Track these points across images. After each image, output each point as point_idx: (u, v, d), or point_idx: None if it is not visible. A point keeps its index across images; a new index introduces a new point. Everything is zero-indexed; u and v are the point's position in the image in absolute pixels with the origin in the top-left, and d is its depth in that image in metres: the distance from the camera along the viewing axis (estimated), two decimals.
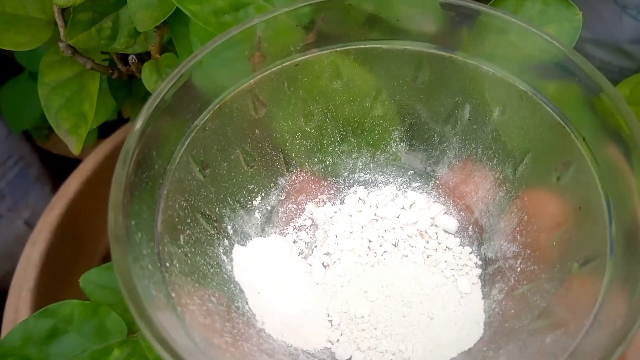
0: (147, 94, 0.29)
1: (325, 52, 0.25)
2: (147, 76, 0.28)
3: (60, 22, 0.27)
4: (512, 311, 0.22)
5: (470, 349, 0.22)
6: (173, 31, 0.28)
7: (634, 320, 0.15)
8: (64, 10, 0.27)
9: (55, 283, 0.37)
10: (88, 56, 0.29)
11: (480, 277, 0.24)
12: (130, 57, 0.29)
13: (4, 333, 0.33)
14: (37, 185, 0.51)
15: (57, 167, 0.51)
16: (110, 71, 0.31)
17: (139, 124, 0.19)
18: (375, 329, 0.23)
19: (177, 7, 0.25)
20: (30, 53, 0.29)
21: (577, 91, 0.20)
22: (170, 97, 0.20)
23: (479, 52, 0.24)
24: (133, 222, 0.18)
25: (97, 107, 0.29)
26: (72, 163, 0.42)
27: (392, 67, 0.25)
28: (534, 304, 0.21)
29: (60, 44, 0.28)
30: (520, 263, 0.23)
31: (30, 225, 0.50)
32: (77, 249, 0.41)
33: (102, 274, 0.25)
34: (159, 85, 0.20)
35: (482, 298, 0.23)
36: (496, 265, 0.24)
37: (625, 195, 0.18)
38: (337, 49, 0.25)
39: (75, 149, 0.29)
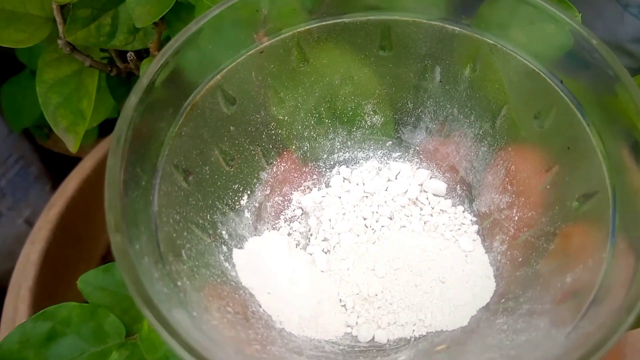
0: None
1: (288, 34, 0.24)
2: None
3: (59, 19, 0.27)
4: (519, 259, 0.22)
5: (487, 304, 0.22)
6: (171, 28, 0.27)
7: None
8: (63, 7, 0.27)
9: (54, 282, 0.37)
10: (87, 53, 0.29)
11: (478, 232, 0.25)
12: (128, 54, 0.29)
13: (2, 332, 0.33)
14: (37, 184, 0.51)
15: (58, 165, 0.51)
16: (109, 68, 0.31)
17: (120, 142, 0.18)
18: (391, 304, 0.23)
19: (175, 3, 0.24)
20: (31, 51, 0.29)
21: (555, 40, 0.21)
22: (144, 107, 0.19)
23: (443, 14, 0.23)
24: (137, 247, 0.17)
25: (96, 105, 0.29)
26: (73, 161, 0.42)
27: (357, 40, 0.25)
28: (541, 247, 0.21)
29: (59, 41, 0.28)
30: (516, 212, 0.23)
31: (30, 223, 0.50)
32: (77, 247, 0.41)
33: (100, 275, 0.25)
34: (132, 94, 0.19)
35: (485, 252, 0.24)
36: (491, 219, 0.24)
37: (615, 122, 0.19)
38: (300, 29, 0.24)
39: (72, 147, 0.29)
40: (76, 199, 0.39)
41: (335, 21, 0.24)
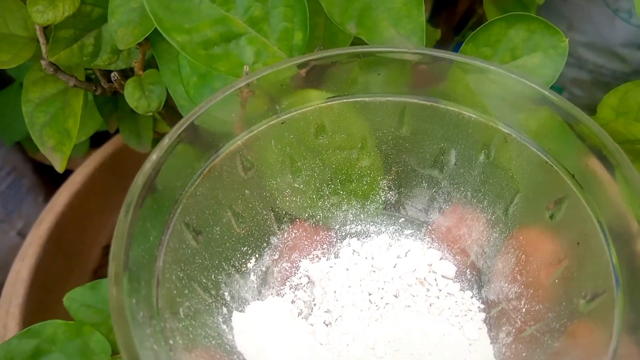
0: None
1: (310, 108, 0.25)
2: (130, 93, 0.27)
3: (42, 40, 0.27)
4: (523, 354, 0.21)
5: None
6: (155, 48, 0.27)
7: None
8: (45, 28, 0.27)
9: (45, 298, 0.36)
10: (71, 73, 0.29)
11: (485, 321, 0.24)
12: (112, 75, 0.29)
13: None
14: (30, 196, 0.52)
15: (50, 177, 0.52)
16: (94, 88, 0.31)
17: (134, 197, 0.19)
18: None
19: None
20: (21, 64, 0.28)
21: (558, 121, 0.21)
22: (160, 167, 0.20)
23: (459, 99, 0.24)
24: (134, 301, 0.17)
25: (85, 120, 0.29)
26: (66, 173, 0.41)
27: (376, 119, 0.26)
28: (545, 344, 0.21)
29: (43, 62, 0.28)
30: (524, 303, 0.23)
31: (23, 235, 0.49)
32: (68, 263, 0.40)
33: (87, 293, 0.25)
34: (153, 153, 0.20)
35: (491, 343, 0.23)
36: (499, 308, 0.24)
37: (624, 227, 0.19)
38: (321, 104, 0.25)
39: (59, 166, 0.29)
40: (66, 214, 0.39)
41: (355, 99, 0.25)
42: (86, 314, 0.25)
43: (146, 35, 0.26)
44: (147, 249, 0.19)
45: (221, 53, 0.24)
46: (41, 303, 0.36)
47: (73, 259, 0.42)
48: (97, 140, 0.43)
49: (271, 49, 0.25)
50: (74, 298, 0.25)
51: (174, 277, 0.20)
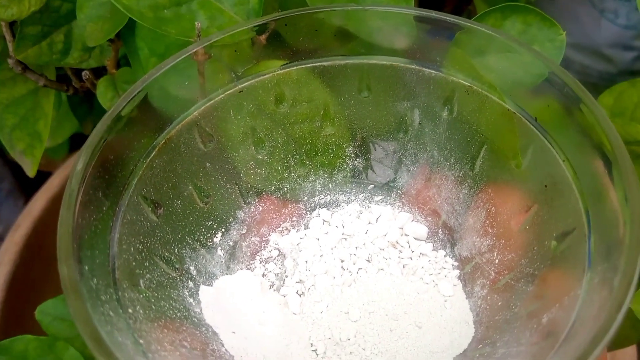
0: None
1: (268, 75, 0.24)
2: (102, 92, 0.26)
3: (8, 37, 0.26)
4: (499, 303, 0.21)
5: (465, 350, 0.21)
6: (127, 45, 0.26)
7: (630, 280, 0.15)
8: (12, 24, 0.25)
9: (22, 307, 0.34)
10: (41, 72, 0.27)
11: (459, 277, 0.24)
12: (83, 73, 0.28)
13: None
14: (9, 199, 0.49)
15: (30, 180, 0.49)
16: (65, 88, 0.29)
17: (80, 164, 0.18)
18: (364, 349, 0.21)
19: (129, 19, 0.23)
20: None
21: (521, 68, 0.21)
22: (113, 135, 0.19)
23: (419, 57, 0.24)
24: (86, 268, 0.16)
25: (60, 122, 0.28)
26: (46, 175, 0.39)
27: (337, 83, 0.25)
28: (520, 290, 0.20)
29: (10, 60, 0.26)
30: (497, 255, 0.22)
31: (3, 240, 0.46)
32: (45, 269, 0.38)
33: (60, 305, 0.23)
34: (100, 122, 0.19)
35: (466, 298, 0.23)
36: (473, 263, 0.23)
37: (589, 162, 0.18)
38: (280, 71, 0.25)
39: (30, 171, 0.27)
40: (44, 219, 0.37)
41: (314, 64, 0.25)
42: (59, 327, 0.24)
43: (117, 31, 0.25)
44: (100, 219, 0.18)
45: (171, 16, 0.23)
46: (19, 313, 0.34)
47: (51, 266, 0.40)
48: (77, 143, 0.42)
49: (227, 14, 0.24)
50: (46, 311, 0.24)
51: (132, 249, 0.19)
